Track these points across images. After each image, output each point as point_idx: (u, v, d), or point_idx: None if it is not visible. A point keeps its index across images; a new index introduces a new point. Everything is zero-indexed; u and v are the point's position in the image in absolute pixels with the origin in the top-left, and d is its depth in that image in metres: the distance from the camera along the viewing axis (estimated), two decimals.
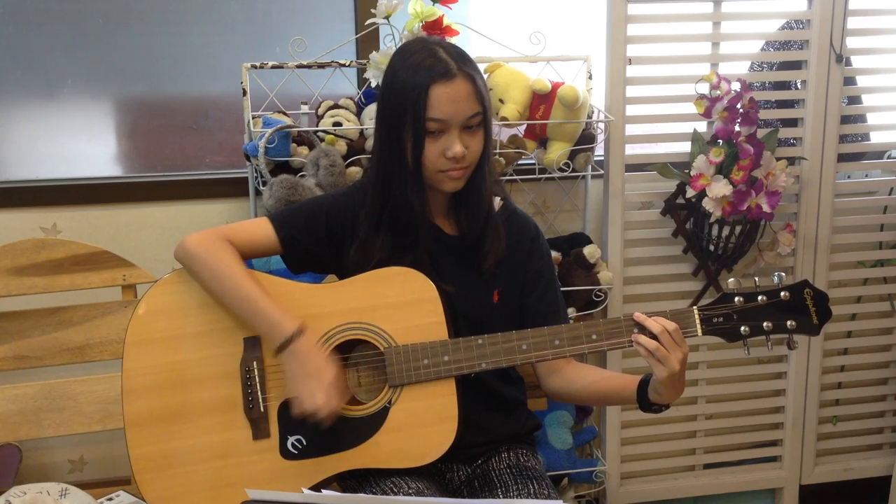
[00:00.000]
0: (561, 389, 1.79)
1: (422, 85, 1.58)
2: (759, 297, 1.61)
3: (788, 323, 1.61)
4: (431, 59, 1.60)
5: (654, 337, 1.57)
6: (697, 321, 1.61)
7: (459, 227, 1.75)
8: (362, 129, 2.23)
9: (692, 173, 2.36)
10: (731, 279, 1.62)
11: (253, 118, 2.24)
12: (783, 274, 1.63)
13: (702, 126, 2.45)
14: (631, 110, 2.46)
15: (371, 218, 1.70)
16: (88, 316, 2.10)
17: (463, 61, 1.62)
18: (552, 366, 1.76)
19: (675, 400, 1.63)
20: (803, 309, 1.61)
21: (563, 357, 1.67)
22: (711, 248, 2.45)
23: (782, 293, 1.61)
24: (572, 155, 2.37)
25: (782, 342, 1.64)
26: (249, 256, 1.73)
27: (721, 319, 1.61)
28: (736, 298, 1.61)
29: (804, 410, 2.72)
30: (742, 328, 1.61)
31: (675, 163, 2.46)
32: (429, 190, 1.69)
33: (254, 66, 2.26)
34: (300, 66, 2.27)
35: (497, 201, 1.76)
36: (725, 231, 2.41)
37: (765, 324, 1.61)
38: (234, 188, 2.41)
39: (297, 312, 1.65)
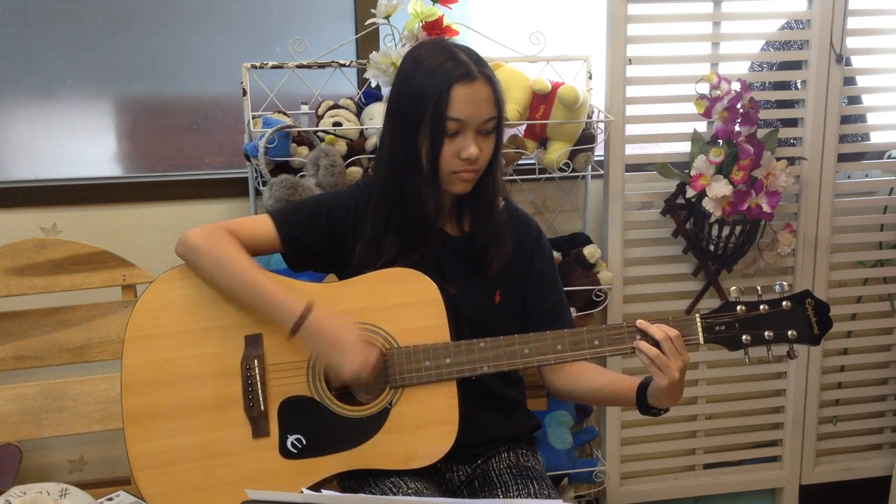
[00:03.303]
0: (565, 390, 1.79)
1: (443, 85, 1.58)
2: (761, 307, 1.61)
3: (789, 332, 1.61)
4: (452, 61, 1.60)
5: (655, 344, 1.57)
6: (699, 329, 1.61)
7: (462, 229, 1.76)
8: (362, 129, 2.23)
9: (692, 173, 2.36)
10: (734, 287, 1.62)
11: (253, 118, 2.24)
12: (785, 283, 1.63)
13: (702, 126, 2.45)
14: (631, 110, 2.46)
15: (380, 217, 1.70)
16: (88, 316, 2.10)
17: (482, 64, 1.63)
18: (557, 367, 1.76)
19: (673, 405, 1.63)
20: (804, 319, 1.62)
21: (564, 362, 1.67)
22: (711, 248, 2.45)
23: (784, 303, 1.61)
24: (572, 155, 2.37)
25: (783, 350, 1.64)
26: (250, 254, 1.72)
27: (723, 328, 1.61)
28: (738, 307, 1.61)
29: (804, 410, 2.72)
30: (743, 337, 1.61)
31: (675, 163, 2.46)
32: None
33: (254, 66, 2.26)
34: (300, 66, 2.27)
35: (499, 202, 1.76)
36: (725, 231, 2.41)
37: (766, 333, 1.61)
38: (234, 188, 2.41)
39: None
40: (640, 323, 1.60)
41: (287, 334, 1.60)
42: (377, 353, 1.59)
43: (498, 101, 1.64)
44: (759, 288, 1.63)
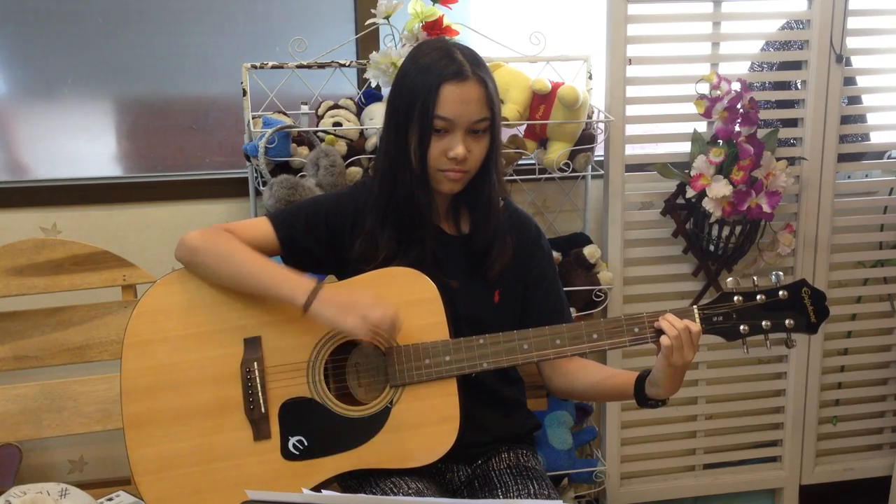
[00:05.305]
0: (565, 388, 1.79)
1: (433, 82, 1.59)
2: (758, 297, 1.62)
3: (787, 322, 1.62)
4: (446, 59, 1.61)
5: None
6: (697, 320, 1.62)
7: (459, 229, 1.76)
8: (362, 129, 2.23)
9: (692, 173, 2.36)
10: (730, 279, 1.64)
11: (253, 118, 2.24)
12: (781, 273, 1.64)
13: (702, 126, 2.45)
14: (631, 110, 2.46)
15: (378, 211, 1.70)
16: (88, 316, 2.10)
17: (477, 65, 1.63)
18: (556, 364, 1.77)
19: (670, 395, 1.64)
20: (801, 308, 1.63)
21: (564, 356, 1.67)
22: (711, 248, 2.46)
23: (780, 292, 1.62)
24: (572, 155, 2.37)
25: (781, 341, 1.66)
26: None
27: (720, 318, 1.62)
28: (735, 297, 1.62)
29: (804, 410, 2.72)
30: (741, 327, 1.62)
31: (675, 163, 2.46)
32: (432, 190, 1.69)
33: (254, 66, 2.26)
34: (300, 66, 2.27)
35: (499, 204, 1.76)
36: (725, 231, 2.41)
37: (763, 323, 1.62)
38: (234, 188, 2.41)
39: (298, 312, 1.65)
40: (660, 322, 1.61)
41: (299, 311, 1.58)
42: (393, 308, 1.56)
43: (491, 102, 1.63)
44: (755, 278, 1.65)
